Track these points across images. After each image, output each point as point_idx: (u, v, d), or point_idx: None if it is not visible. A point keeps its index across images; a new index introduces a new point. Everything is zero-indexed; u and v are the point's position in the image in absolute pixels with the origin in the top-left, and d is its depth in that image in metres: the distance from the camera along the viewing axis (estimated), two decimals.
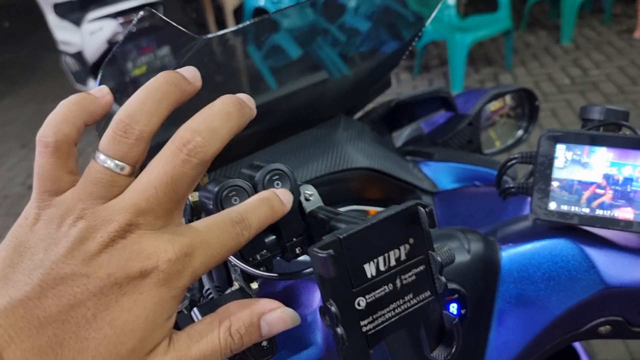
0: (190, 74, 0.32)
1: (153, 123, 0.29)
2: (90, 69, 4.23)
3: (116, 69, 0.60)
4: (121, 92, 0.54)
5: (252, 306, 0.32)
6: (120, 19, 3.97)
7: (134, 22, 0.44)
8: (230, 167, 0.78)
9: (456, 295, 0.49)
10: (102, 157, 0.28)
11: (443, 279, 0.34)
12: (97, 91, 0.32)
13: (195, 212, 0.44)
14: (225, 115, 0.30)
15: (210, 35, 0.50)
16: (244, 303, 0.32)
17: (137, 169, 0.30)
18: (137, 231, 0.28)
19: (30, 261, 0.27)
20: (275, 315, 0.32)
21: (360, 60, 0.90)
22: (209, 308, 0.37)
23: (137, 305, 0.27)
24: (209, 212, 0.40)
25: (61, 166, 0.29)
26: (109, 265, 0.27)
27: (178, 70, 0.32)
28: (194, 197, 0.43)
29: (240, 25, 0.55)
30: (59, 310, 0.26)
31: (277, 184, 0.39)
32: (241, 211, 0.32)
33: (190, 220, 0.44)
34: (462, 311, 0.50)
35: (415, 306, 0.34)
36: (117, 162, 0.28)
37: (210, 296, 0.40)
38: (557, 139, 0.53)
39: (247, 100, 0.33)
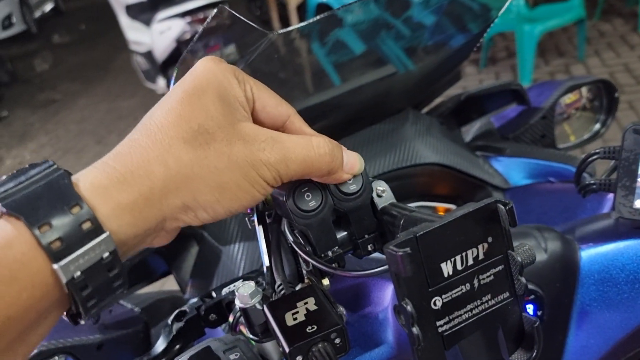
0: None
1: None
2: (159, 68, 4.36)
3: (187, 67, 0.62)
4: None
5: None
6: (188, 18, 4.08)
7: (208, 19, 0.44)
8: None
9: (533, 296, 0.47)
10: None
11: (523, 279, 0.33)
12: None
13: (267, 206, 0.44)
14: None
15: (281, 31, 0.50)
16: None
17: None
18: None
19: None
20: None
21: (428, 54, 0.89)
22: (280, 304, 0.37)
23: None
24: (280, 206, 0.40)
25: None
26: None
27: None
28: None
29: (310, 21, 0.55)
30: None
31: (349, 180, 0.39)
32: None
33: (259, 214, 0.44)
34: (539, 313, 0.48)
35: (494, 307, 0.33)
36: None
37: (282, 292, 0.40)
38: None
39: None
